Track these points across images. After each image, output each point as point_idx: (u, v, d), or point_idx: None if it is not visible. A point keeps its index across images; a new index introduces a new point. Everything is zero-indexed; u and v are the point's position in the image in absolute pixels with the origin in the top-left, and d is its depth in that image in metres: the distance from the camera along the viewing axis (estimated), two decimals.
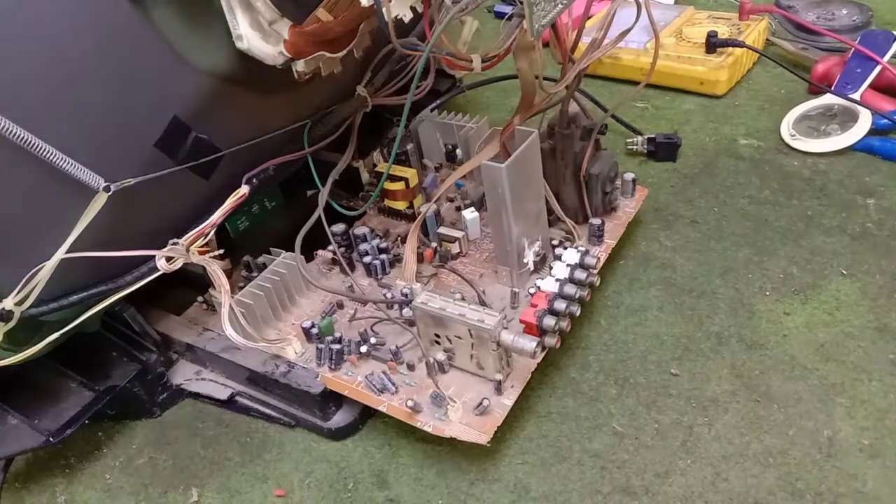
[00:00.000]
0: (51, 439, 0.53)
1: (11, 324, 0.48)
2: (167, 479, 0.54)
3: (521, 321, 0.51)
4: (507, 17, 0.46)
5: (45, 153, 0.41)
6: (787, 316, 0.59)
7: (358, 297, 0.59)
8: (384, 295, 0.59)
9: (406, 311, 0.55)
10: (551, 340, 0.51)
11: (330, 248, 0.63)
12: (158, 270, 0.49)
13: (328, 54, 0.51)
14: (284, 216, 0.70)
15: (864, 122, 0.76)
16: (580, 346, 0.59)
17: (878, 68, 0.80)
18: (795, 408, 0.52)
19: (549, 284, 0.53)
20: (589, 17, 0.61)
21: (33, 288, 0.47)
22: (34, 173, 0.43)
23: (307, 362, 0.55)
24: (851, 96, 0.78)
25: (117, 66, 0.43)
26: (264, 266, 0.60)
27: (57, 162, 0.42)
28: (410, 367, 0.53)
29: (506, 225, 0.55)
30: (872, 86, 0.79)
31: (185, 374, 0.61)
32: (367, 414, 0.55)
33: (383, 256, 0.62)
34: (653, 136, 0.79)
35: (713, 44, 0.89)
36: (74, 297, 0.50)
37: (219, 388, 0.59)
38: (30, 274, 0.46)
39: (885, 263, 0.62)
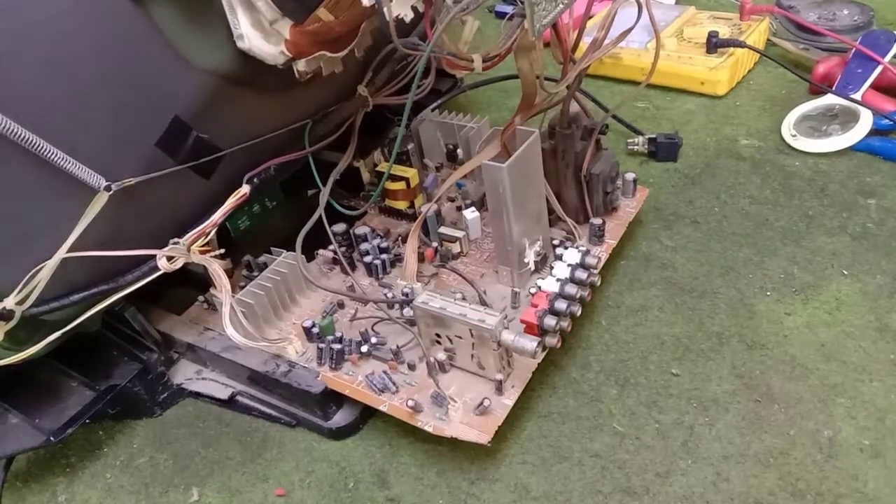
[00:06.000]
0: (52, 438, 0.53)
1: (12, 323, 0.48)
2: (168, 478, 0.54)
3: (522, 321, 0.51)
4: (508, 16, 0.46)
5: (46, 153, 0.41)
6: (787, 316, 0.59)
7: (359, 297, 0.59)
8: (385, 295, 0.59)
9: (407, 311, 0.55)
10: (552, 340, 0.51)
11: (331, 247, 0.63)
12: (159, 270, 0.49)
13: (329, 54, 0.52)
14: (285, 216, 0.70)
15: (865, 122, 0.76)
16: (581, 346, 0.59)
17: (880, 68, 0.80)
18: (796, 408, 0.52)
19: (549, 284, 0.53)
20: (590, 17, 0.61)
21: (34, 287, 0.47)
22: (35, 173, 0.43)
23: (308, 362, 0.55)
24: (852, 96, 0.78)
25: (119, 66, 0.43)
26: (265, 265, 0.60)
27: (58, 161, 0.42)
28: (411, 367, 0.53)
29: (507, 225, 0.55)
30: (873, 86, 0.79)
31: (185, 374, 0.61)
32: (367, 414, 0.55)
33: (384, 256, 0.62)
34: (654, 136, 0.79)
35: (714, 44, 0.89)
36: (75, 297, 0.50)
37: (219, 387, 0.59)
38: (31, 273, 0.46)
39: (885, 263, 0.62)
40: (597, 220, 0.62)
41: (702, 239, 0.68)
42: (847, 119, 0.78)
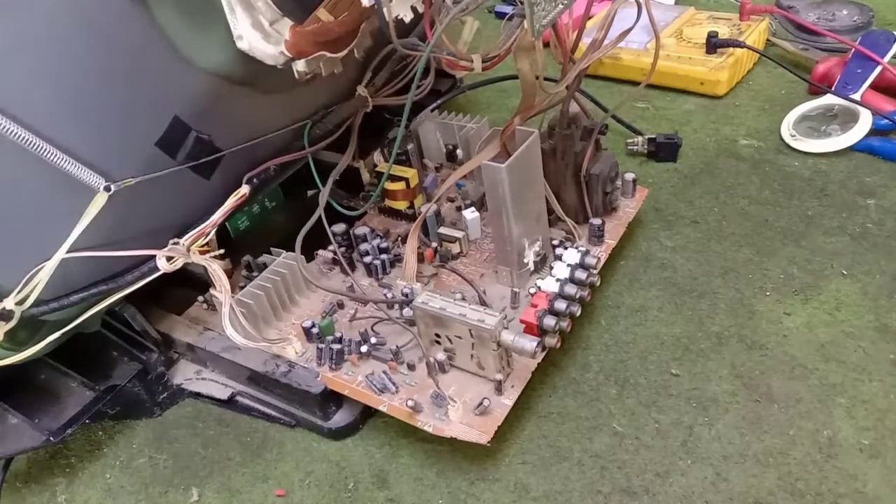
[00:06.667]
0: (51, 439, 0.53)
1: (12, 323, 0.48)
2: (167, 478, 0.54)
3: (522, 321, 0.51)
4: (507, 17, 0.46)
5: (45, 153, 0.41)
6: (787, 316, 0.59)
7: (358, 297, 0.59)
8: (385, 295, 0.59)
9: (406, 311, 0.55)
10: (552, 340, 0.51)
11: (330, 247, 0.63)
12: (159, 270, 0.50)
13: (329, 54, 0.52)
14: (285, 216, 0.70)
15: (865, 122, 0.76)
16: (580, 347, 0.59)
17: (879, 69, 0.80)
18: (796, 408, 0.52)
19: (549, 284, 0.53)
20: (589, 18, 0.61)
21: (34, 287, 0.47)
22: (35, 173, 0.43)
23: (308, 362, 0.55)
24: (852, 97, 0.78)
25: (119, 66, 0.43)
26: (265, 266, 0.60)
27: (58, 162, 0.42)
28: (411, 367, 0.53)
29: (506, 225, 0.55)
30: (873, 86, 0.79)
31: (185, 374, 0.61)
32: (367, 414, 0.55)
33: (384, 256, 0.62)
34: (653, 136, 0.79)
35: (714, 44, 0.89)
36: (75, 297, 0.50)
37: (219, 387, 0.59)
38: (30, 273, 0.46)
39: (885, 263, 0.62)
40: (596, 221, 0.62)
41: (701, 239, 0.68)
42: (846, 119, 0.78)
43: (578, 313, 0.53)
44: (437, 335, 0.52)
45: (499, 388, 0.50)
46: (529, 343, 0.48)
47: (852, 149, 0.76)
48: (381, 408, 0.51)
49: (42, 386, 0.58)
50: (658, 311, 0.61)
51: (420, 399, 0.50)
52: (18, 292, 0.47)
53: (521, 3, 0.44)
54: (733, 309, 0.60)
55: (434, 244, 0.63)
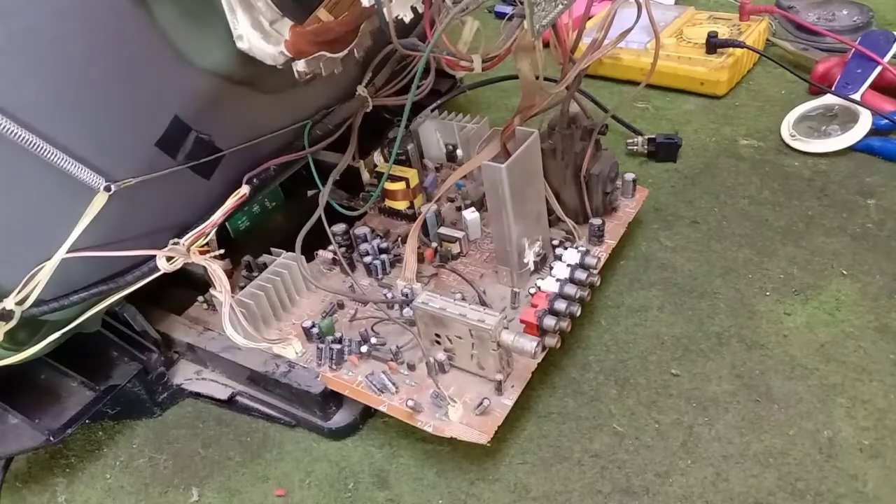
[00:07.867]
0: (51, 439, 0.53)
1: (12, 323, 0.48)
2: (167, 478, 0.54)
3: (522, 321, 0.51)
4: (507, 17, 0.46)
5: (45, 153, 0.41)
6: (787, 316, 0.59)
7: (358, 297, 0.59)
8: (385, 295, 0.59)
9: (406, 311, 0.55)
10: (552, 340, 0.51)
11: (330, 248, 0.63)
12: (159, 270, 0.50)
13: (329, 54, 0.52)
14: (285, 216, 0.70)
15: (865, 122, 0.76)
16: (580, 346, 0.59)
17: (879, 69, 0.80)
18: (796, 408, 0.52)
19: (549, 284, 0.53)
20: (589, 18, 0.61)
21: (34, 287, 0.47)
22: (35, 173, 0.43)
23: (308, 362, 0.55)
24: (852, 97, 0.78)
25: (119, 66, 0.43)
26: (265, 266, 0.60)
27: (58, 161, 0.42)
28: (411, 367, 0.53)
29: (506, 225, 0.55)
30: (873, 86, 0.80)
31: (185, 374, 0.61)
32: (367, 414, 0.55)
33: (384, 256, 0.62)
34: (653, 136, 0.79)
35: (714, 44, 0.89)
36: (75, 297, 0.50)
37: (219, 387, 0.59)
38: (31, 274, 0.46)
39: (885, 263, 0.62)
40: (596, 221, 0.62)
41: (701, 239, 0.68)
42: (846, 119, 0.78)
43: (578, 313, 0.53)
44: (437, 335, 0.52)
45: (499, 388, 0.50)
46: (529, 343, 0.48)
47: (852, 149, 0.76)
48: (381, 408, 0.51)
49: (42, 386, 0.58)
50: (658, 311, 0.61)
51: (420, 399, 0.50)
52: (18, 292, 0.47)
53: (521, 3, 0.44)
54: (733, 309, 0.60)
55: (434, 244, 0.63)
